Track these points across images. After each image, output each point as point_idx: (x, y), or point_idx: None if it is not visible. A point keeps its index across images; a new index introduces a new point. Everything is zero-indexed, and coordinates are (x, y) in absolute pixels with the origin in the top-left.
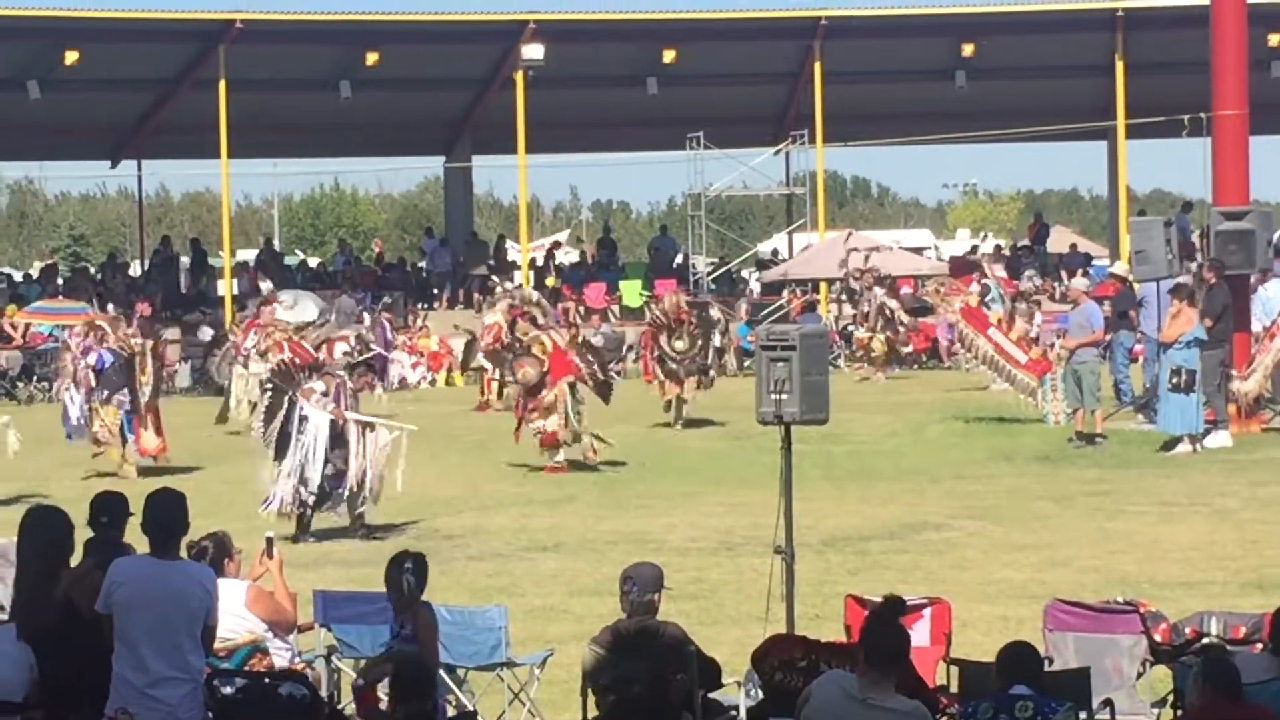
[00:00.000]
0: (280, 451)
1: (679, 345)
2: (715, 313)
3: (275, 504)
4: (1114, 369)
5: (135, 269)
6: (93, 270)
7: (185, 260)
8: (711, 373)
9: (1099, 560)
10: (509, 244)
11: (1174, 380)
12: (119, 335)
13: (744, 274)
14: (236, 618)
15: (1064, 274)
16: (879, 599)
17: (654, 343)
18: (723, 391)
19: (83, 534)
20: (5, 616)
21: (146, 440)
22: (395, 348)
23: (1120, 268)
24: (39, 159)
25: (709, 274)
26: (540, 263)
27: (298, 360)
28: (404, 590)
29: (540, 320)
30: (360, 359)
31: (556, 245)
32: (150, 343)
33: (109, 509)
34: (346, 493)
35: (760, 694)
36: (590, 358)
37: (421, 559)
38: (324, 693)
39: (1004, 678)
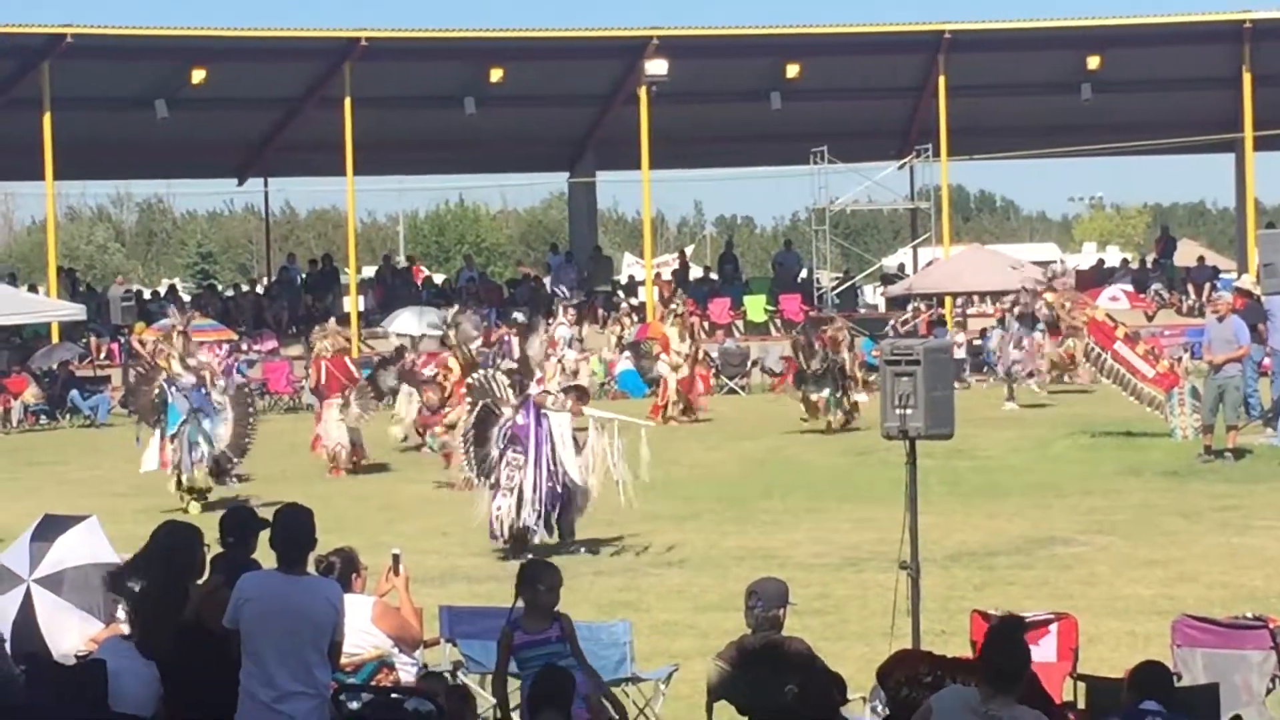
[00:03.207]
0: (485, 472)
1: (813, 365)
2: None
3: (500, 530)
4: (1242, 383)
5: (261, 286)
6: (220, 287)
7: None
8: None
9: (1227, 576)
10: (626, 258)
11: None
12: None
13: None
14: (363, 633)
15: (1190, 287)
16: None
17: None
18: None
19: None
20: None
21: None
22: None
23: (1247, 281)
24: (167, 177)
25: (833, 289)
26: (668, 276)
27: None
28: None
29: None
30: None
31: (683, 256)
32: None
33: (236, 527)
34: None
35: (886, 710)
36: None
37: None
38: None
39: (1135, 694)
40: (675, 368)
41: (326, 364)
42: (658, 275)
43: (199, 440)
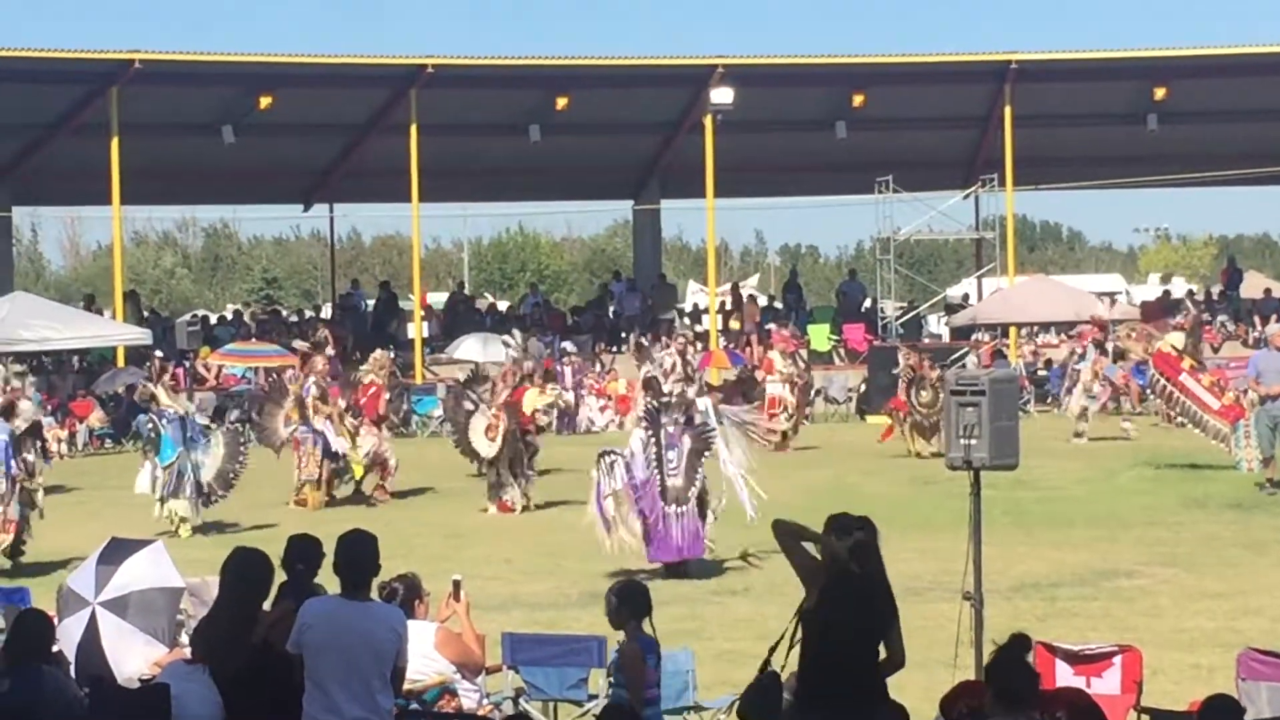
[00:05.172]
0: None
1: (924, 398)
2: (901, 358)
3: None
4: None
5: (326, 311)
6: (285, 313)
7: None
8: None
9: None
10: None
11: None
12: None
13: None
14: (425, 659)
15: (1256, 319)
16: (1073, 647)
17: (905, 396)
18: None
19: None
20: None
21: None
22: (583, 391)
23: None
24: (233, 202)
25: (897, 318)
26: (729, 305)
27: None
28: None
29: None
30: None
31: (735, 288)
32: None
33: (304, 554)
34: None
35: None
36: None
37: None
38: None
39: None
40: (786, 380)
41: (361, 389)
42: (722, 305)
43: (187, 471)
